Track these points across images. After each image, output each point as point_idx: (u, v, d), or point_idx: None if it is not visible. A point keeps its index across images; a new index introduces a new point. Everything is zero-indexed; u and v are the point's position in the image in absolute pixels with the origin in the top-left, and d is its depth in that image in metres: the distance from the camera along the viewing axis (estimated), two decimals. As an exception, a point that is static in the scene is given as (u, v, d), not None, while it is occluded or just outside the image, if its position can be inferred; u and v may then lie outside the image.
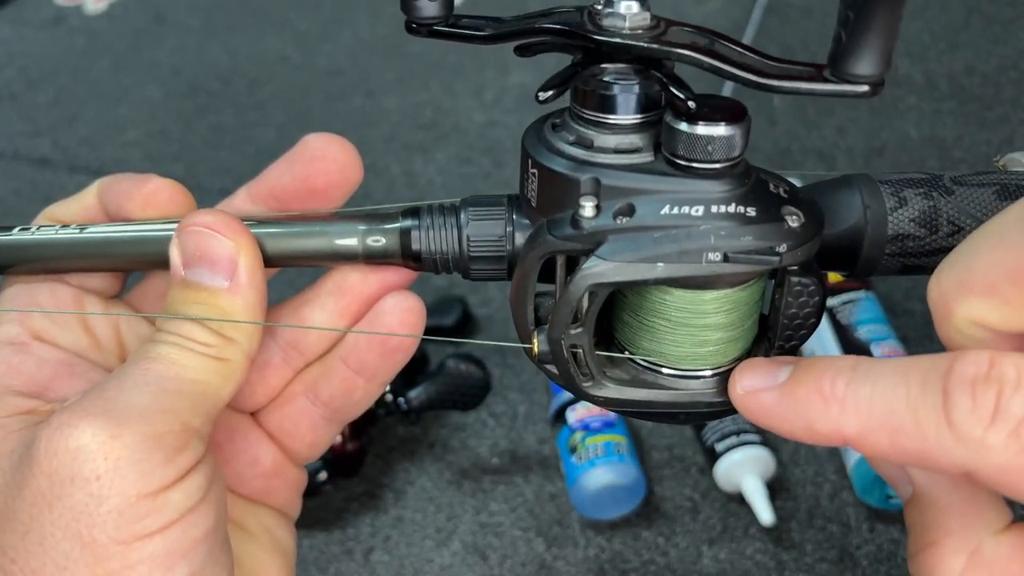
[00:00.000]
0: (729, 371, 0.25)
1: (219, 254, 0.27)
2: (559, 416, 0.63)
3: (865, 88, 0.23)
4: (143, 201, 0.30)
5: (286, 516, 0.34)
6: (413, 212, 0.29)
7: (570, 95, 0.26)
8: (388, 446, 0.65)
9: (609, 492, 0.58)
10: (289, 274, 0.36)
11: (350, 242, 0.29)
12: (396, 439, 0.66)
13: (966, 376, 0.19)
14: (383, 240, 0.29)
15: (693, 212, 0.24)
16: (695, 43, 0.25)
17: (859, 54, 0.22)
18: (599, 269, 0.24)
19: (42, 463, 0.24)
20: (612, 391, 0.26)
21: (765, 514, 0.56)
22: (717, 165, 0.24)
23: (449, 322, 0.70)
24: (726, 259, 0.24)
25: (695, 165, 0.24)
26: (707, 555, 0.57)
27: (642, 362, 0.27)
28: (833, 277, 0.65)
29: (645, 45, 0.25)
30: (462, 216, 0.28)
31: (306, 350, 0.32)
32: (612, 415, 0.61)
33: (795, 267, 0.25)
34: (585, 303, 0.25)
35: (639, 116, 0.25)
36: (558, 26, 0.26)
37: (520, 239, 0.27)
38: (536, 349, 0.27)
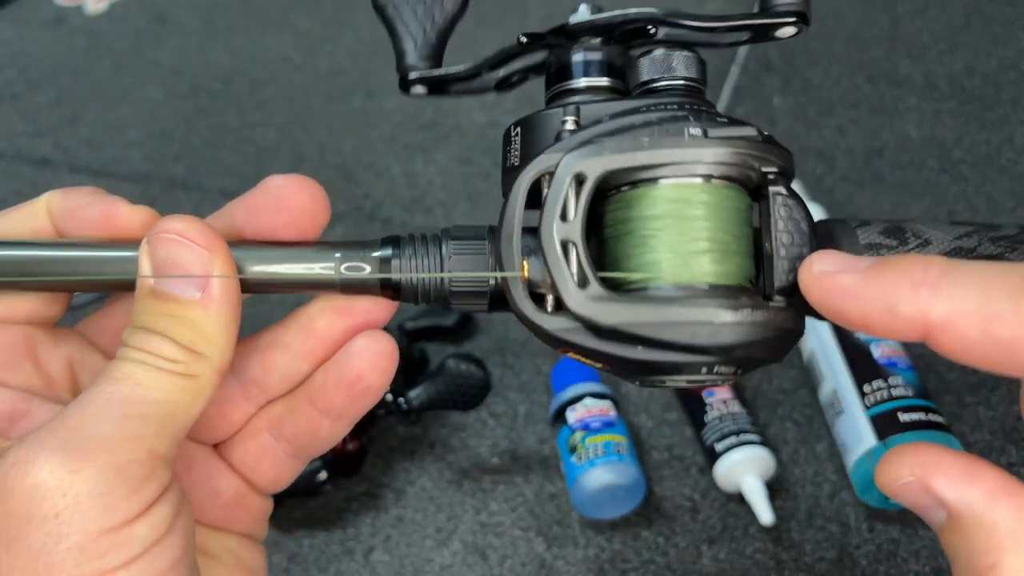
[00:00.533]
0: (729, 290, 0.25)
1: (192, 263, 0.25)
2: (559, 416, 0.63)
3: (792, 19, 0.26)
4: (106, 222, 0.28)
5: (252, 539, 0.33)
6: (393, 241, 0.28)
7: (545, 79, 0.28)
8: (388, 446, 0.65)
9: (609, 492, 0.58)
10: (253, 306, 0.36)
11: (326, 271, 0.28)
12: (396, 439, 0.66)
13: None
14: (362, 269, 0.28)
15: (671, 106, 0.26)
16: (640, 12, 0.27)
17: None
18: (583, 156, 0.25)
19: None
20: (606, 309, 0.24)
21: (765, 514, 0.56)
22: (680, 81, 0.26)
23: (449, 322, 0.70)
24: (706, 135, 0.25)
25: (662, 83, 0.27)
26: (707, 555, 0.58)
27: (637, 285, 0.26)
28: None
29: (600, 17, 0.27)
30: (444, 248, 0.27)
31: (268, 388, 0.31)
32: (612, 415, 0.61)
33: (773, 174, 0.26)
34: (572, 197, 0.25)
35: (603, 57, 0.28)
36: (525, 37, 0.28)
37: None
38: (527, 273, 0.25)
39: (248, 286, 0.28)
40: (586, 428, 0.60)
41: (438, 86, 0.30)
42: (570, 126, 0.26)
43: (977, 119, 0.85)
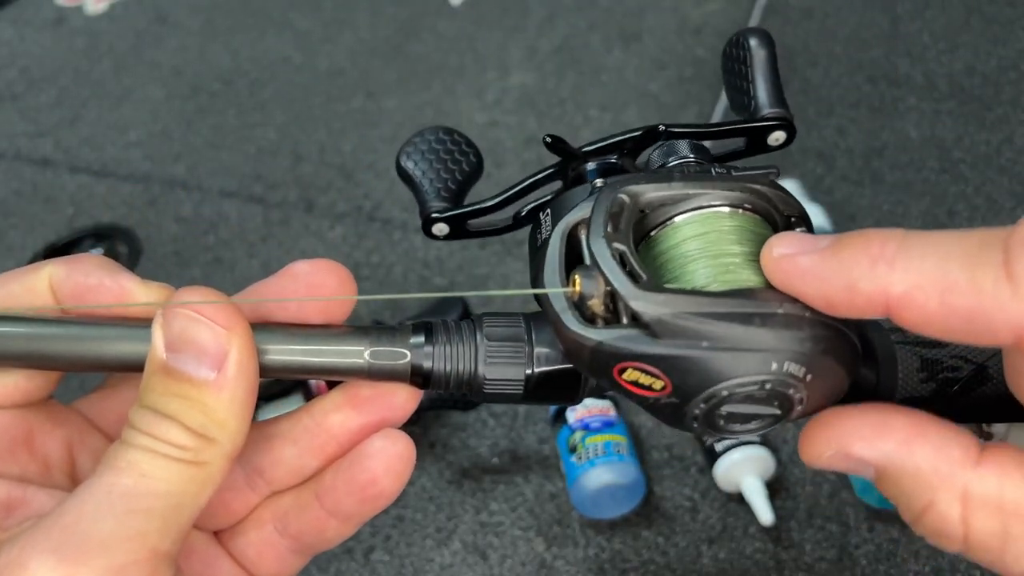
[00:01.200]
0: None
1: (208, 341, 0.24)
2: (559, 416, 0.63)
3: (777, 123, 0.28)
4: (117, 299, 0.26)
5: None
6: (426, 329, 0.27)
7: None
8: (388, 446, 0.65)
9: (609, 492, 0.58)
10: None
11: (354, 359, 0.26)
12: (396, 439, 0.66)
13: None
14: (393, 358, 0.26)
15: (692, 163, 0.28)
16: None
17: (766, 100, 0.29)
18: (621, 185, 0.26)
19: None
20: (665, 300, 0.24)
21: (765, 514, 0.56)
22: (691, 157, 0.28)
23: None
24: (729, 173, 0.27)
25: (673, 162, 0.28)
26: (707, 554, 0.58)
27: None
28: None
29: (611, 136, 0.29)
30: (478, 338, 0.27)
31: (273, 480, 0.29)
32: (612, 415, 0.61)
33: (795, 218, 0.26)
34: (613, 218, 0.25)
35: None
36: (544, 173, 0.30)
37: (539, 367, 0.27)
38: (578, 287, 0.25)
39: (270, 370, 0.26)
40: (586, 428, 0.60)
41: (459, 225, 0.31)
42: (600, 183, 0.27)
43: (977, 119, 0.85)
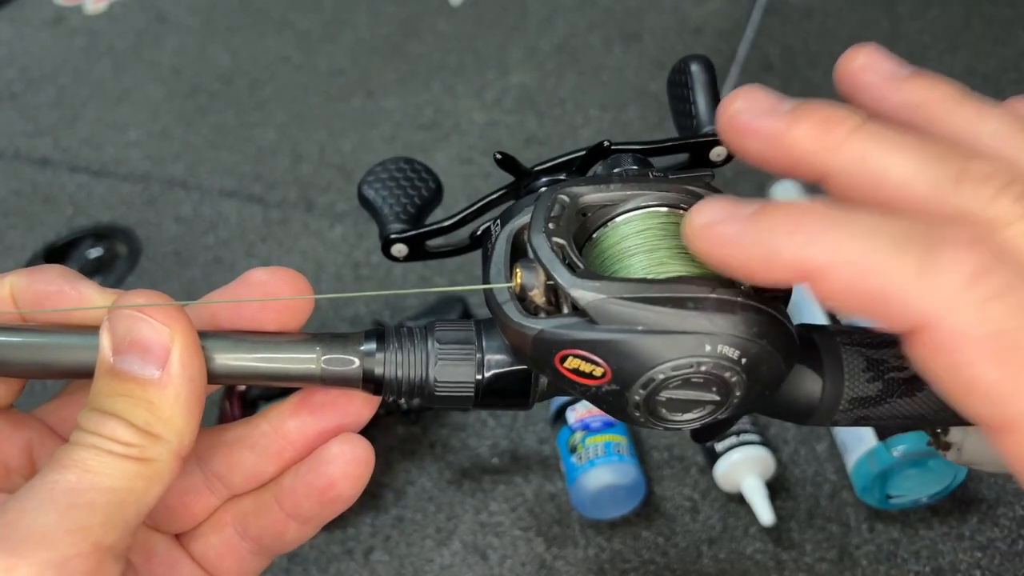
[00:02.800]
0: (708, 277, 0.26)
1: (151, 340, 0.24)
2: (559, 416, 0.63)
3: (717, 137, 0.28)
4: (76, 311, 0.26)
5: None
6: (377, 335, 0.27)
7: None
8: (388, 446, 0.65)
9: (609, 492, 0.58)
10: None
11: (306, 365, 0.26)
12: (396, 439, 0.66)
13: (963, 233, 0.19)
14: (344, 364, 0.26)
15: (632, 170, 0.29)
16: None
17: (706, 117, 0.31)
18: (562, 188, 0.27)
19: None
20: (603, 286, 0.24)
21: (765, 514, 0.56)
22: (633, 168, 0.29)
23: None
24: (666, 176, 0.28)
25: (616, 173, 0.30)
26: (707, 555, 0.57)
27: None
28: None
29: (560, 156, 0.31)
30: (429, 345, 0.27)
31: (232, 484, 0.29)
32: (612, 415, 0.61)
33: None
34: (554, 217, 0.26)
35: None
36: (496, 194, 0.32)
37: (489, 370, 0.27)
38: (519, 280, 0.25)
39: (221, 376, 0.26)
40: (586, 428, 0.60)
41: (418, 246, 0.32)
42: (543, 189, 0.28)
43: (977, 119, 0.85)
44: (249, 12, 1.18)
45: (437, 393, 0.27)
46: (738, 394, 0.25)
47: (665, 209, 0.27)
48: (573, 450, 0.59)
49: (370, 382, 0.27)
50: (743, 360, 0.24)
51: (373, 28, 1.12)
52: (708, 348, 0.24)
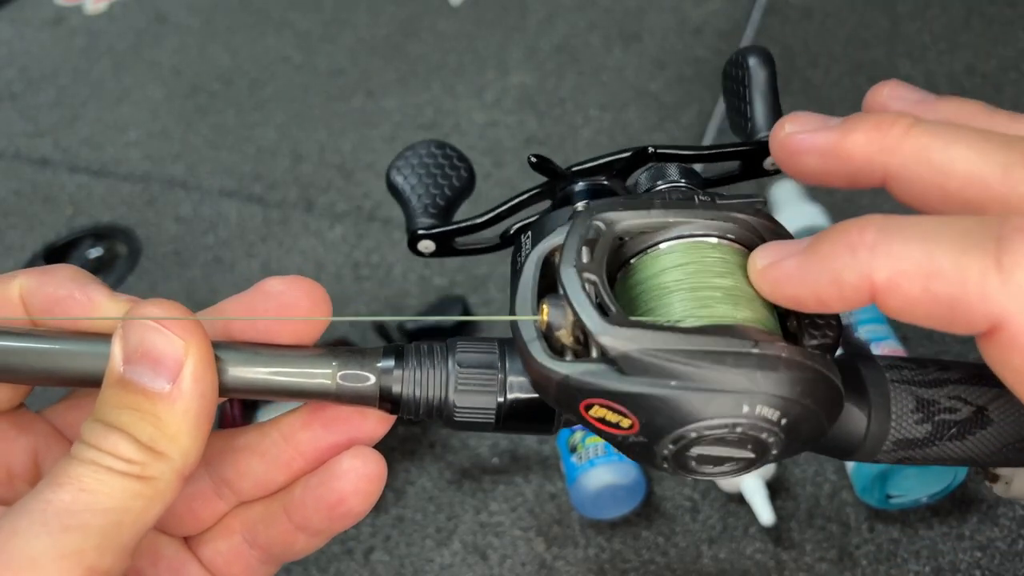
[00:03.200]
0: (754, 328, 0.24)
1: (164, 352, 0.23)
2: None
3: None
4: (86, 314, 0.26)
5: None
6: (396, 352, 0.26)
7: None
8: (388, 446, 0.65)
9: (609, 492, 0.58)
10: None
11: (321, 381, 0.25)
12: (396, 439, 0.66)
13: None
14: (363, 379, 0.25)
15: (677, 189, 0.27)
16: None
17: (763, 123, 0.28)
18: (597, 211, 0.25)
19: None
20: (634, 335, 0.22)
21: (765, 514, 0.56)
22: (681, 183, 0.27)
23: (449, 325, 0.70)
24: (714, 201, 0.26)
25: (661, 187, 0.28)
26: (707, 555, 0.57)
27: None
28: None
29: (601, 156, 0.29)
30: (450, 363, 0.26)
31: (241, 491, 0.29)
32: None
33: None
34: (587, 247, 0.24)
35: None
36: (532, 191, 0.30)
37: (511, 394, 0.26)
38: (546, 316, 0.24)
39: (233, 389, 0.25)
40: (586, 428, 0.60)
41: (446, 242, 0.31)
42: (581, 207, 0.26)
43: (977, 119, 0.85)
44: (249, 12, 1.18)
45: (457, 418, 0.26)
46: (774, 452, 0.23)
47: (713, 240, 0.25)
48: (573, 450, 0.59)
49: (387, 401, 0.26)
50: (783, 421, 0.22)
51: (373, 28, 1.12)
52: (746, 409, 0.22)
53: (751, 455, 0.23)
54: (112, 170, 0.96)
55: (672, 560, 0.57)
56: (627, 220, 0.25)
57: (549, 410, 0.26)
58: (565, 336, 0.24)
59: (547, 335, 0.24)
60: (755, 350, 0.22)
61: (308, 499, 0.27)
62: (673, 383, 0.22)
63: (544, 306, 0.24)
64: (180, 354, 0.23)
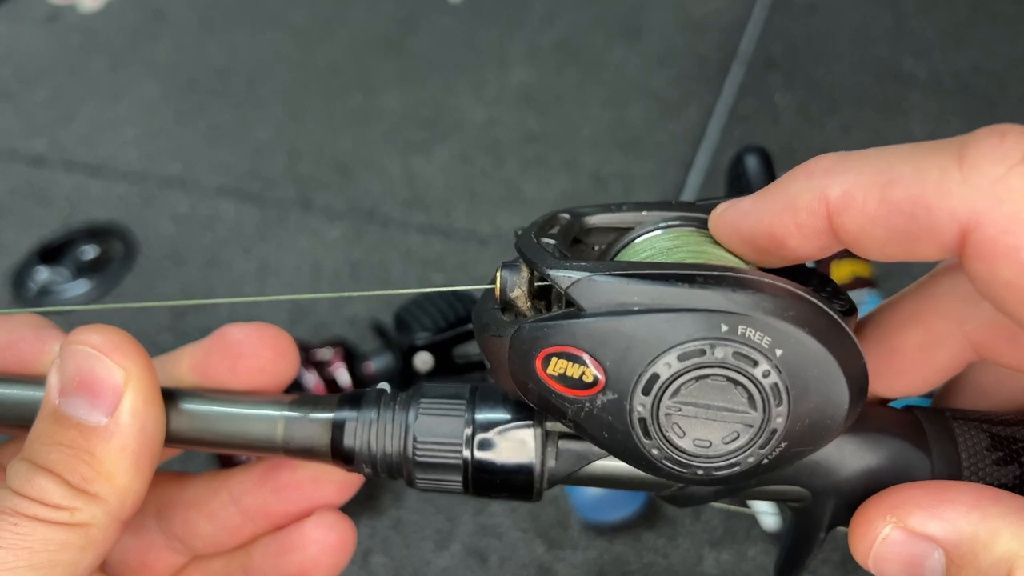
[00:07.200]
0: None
1: (102, 380, 0.21)
2: (560, 417, 0.62)
3: None
4: (34, 359, 0.24)
5: None
6: (353, 400, 0.23)
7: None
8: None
9: (610, 495, 0.57)
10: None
11: (269, 429, 0.23)
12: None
13: (994, 129, 0.17)
14: (308, 431, 0.22)
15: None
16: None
17: None
18: (568, 210, 0.24)
19: None
20: (583, 266, 0.20)
21: (767, 518, 0.56)
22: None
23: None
24: (689, 203, 0.24)
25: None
26: (708, 557, 0.57)
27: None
28: (837, 275, 0.64)
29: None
30: (411, 411, 0.23)
31: (193, 547, 0.26)
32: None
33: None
34: (550, 223, 0.24)
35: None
36: None
37: (480, 452, 0.23)
38: (499, 280, 0.22)
39: (175, 435, 0.23)
40: (587, 430, 0.59)
41: (444, 354, 0.31)
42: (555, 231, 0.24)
43: (983, 117, 0.84)
44: (246, 9, 1.18)
45: (419, 485, 0.23)
46: (780, 408, 0.18)
47: (694, 229, 0.23)
48: (574, 452, 0.59)
49: (339, 455, 0.23)
50: (777, 351, 0.18)
51: (371, 25, 1.11)
52: (725, 328, 0.18)
53: (748, 410, 0.19)
54: (108, 168, 0.95)
55: (673, 563, 0.57)
56: (594, 214, 0.24)
57: (527, 476, 0.23)
58: (521, 299, 0.22)
59: (504, 307, 0.22)
60: (729, 273, 0.19)
61: (267, 567, 0.25)
62: (635, 307, 0.19)
63: (498, 273, 0.22)
64: (119, 383, 0.21)
